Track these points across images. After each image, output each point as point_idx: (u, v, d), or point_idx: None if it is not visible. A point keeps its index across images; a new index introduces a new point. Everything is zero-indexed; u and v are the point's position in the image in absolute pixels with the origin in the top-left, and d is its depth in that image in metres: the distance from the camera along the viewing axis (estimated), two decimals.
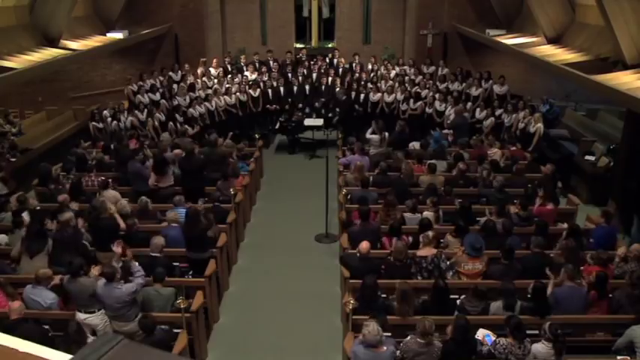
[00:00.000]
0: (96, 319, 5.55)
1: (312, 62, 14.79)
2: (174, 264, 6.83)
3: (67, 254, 6.42)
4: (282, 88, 13.56)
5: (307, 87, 13.81)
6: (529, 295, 5.87)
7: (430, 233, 6.59)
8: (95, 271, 5.91)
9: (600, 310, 5.94)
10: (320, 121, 12.35)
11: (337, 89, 13.33)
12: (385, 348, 4.81)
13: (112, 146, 10.34)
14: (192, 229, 6.92)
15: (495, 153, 9.94)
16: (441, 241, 7.03)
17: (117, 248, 6.05)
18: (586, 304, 5.87)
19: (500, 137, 11.08)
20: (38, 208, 7.66)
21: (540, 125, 10.70)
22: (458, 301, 5.90)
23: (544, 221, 7.18)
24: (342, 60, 14.86)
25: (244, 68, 14.35)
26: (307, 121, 12.70)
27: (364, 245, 6.46)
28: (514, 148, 10.25)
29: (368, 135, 10.42)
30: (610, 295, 6.02)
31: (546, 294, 5.77)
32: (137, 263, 5.90)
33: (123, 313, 5.55)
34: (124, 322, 5.57)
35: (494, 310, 5.74)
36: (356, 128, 12.71)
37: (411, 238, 7.08)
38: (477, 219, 7.68)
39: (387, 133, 10.50)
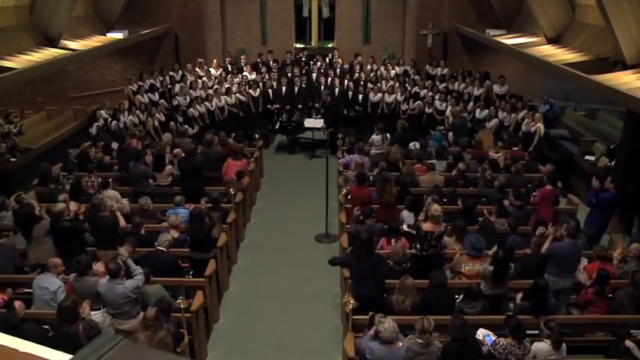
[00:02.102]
0: (101, 316, 5.55)
1: (311, 62, 14.81)
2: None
3: (68, 246, 6.53)
4: (283, 88, 13.56)
5: (304, 87, 13.79)
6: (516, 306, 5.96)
7: (437, 208, 6.63)
8: (99, 266, 5.92)
9: (599, 309, 5.97)
10: (320, 122, 12.33)
11: (322, 89, 13.32)
12: (400, 344, 4.88)
13: (112, 145, 10.35)
14: (197, 230, 6.92)
15: (500, 157, 9.93)
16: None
17: (123, 251, 6.00)
18: (578, 260, 6.38)
19: (499, 138, 11.07)
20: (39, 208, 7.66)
21: (540, 125, 10.70)
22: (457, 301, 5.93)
23: (543, 219, 7.19)
24: (340, 60, 14.84)
25: (244, 68, 14.35)
26: (307, 123, 12.68)
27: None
28: (516, 148, 10.25)
29: (372, 138, 10.47)
30: (610, 295, 6.05)
31: (547, 293, 5.79)
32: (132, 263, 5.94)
33: (126, 310, 5.55)
34: (124, 320, 5.58)
35: (484, 272, 5.95)
36: (356, 128, 12.72)
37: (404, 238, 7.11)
38: (477, 219, 7.69)
39: (388, 135, 10.51)
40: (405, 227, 7.29)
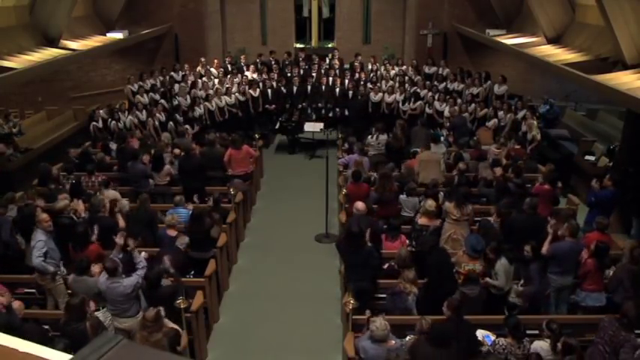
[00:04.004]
0: (101, 316, 5.56)
1: (311, 62, 14.82)
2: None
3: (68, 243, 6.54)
4: (283, 88, 13.56)
5: (309, 87, 13.81)
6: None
7: (432, 203, 6.68)
8: (97, 268, 5.93)
9: (596, 282, 6.12)
10: (320, 126, 12.32)
11: (323, 89, 13.42)
12: (394, 342, 4.88)
13: (110, 145, 10.35)
14: (196, 229, 6.94)
15: (500, 154, 9.93)
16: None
17: (119, 239, 6.06)
18: (579, 258, 6.28)
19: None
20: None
21: (536, 134, 10.59)
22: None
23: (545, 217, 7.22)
24: (336, 62, 14.85)
25: (244, 68, 14.36)
26: (307, 126, 12.66)
27: (360, 205, 6.84)
28: (518, 147, 10.26)
29: (367, 139, 10.52)
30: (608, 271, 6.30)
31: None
32: (140, 254, 5.99)
33: (126, 308, 5.57)
34: (125, 319, 5.59)
35: (501, 268, 5.99)
36: (360, 128, 12.75)
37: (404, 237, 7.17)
38: (477, 219, 7.69)
39: (385, 136, 10.52)
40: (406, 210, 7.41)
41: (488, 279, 6.11)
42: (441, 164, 9.31)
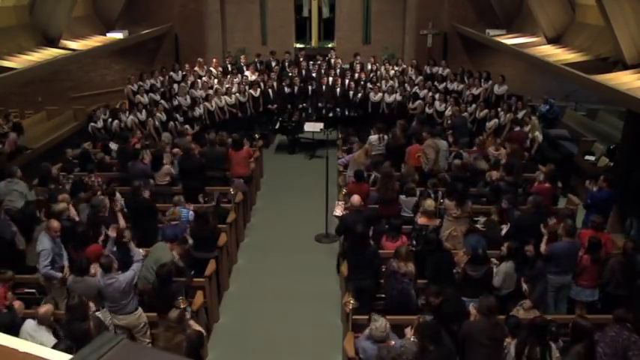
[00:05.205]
0: (101, 316, 5.56)
1: (311, 62, 14.82)
2: None
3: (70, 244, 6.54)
4: (286, 88, 13.57)
5: (310, 87, 13.81)
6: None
7: (431, 202, 6.75)
8: (96, 268, 5.93)
9: (591, 277, 6.21)
10: (320, 126, 12.31)
11: (323, 89, 13.50)
12: (393, 342, 4.87)
13: (110, 145, 10.36)
14: (201, 229, 6.95)
15: (501, 153, 9.92)
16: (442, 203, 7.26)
17: (112, 232, 6.08)
18: (577, 258, 6.29)
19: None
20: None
21: (538, 134, 10.57)
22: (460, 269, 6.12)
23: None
24: (339, 61, 14.85)
25: (244, 68, 14.36)
26: (307, 126, 12.65)
27: (355, 199, 6.87)
28: (518, 128, 10.32)
29: (369, 138, 10.51)
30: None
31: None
32: (134, 246, 6.02)
33: (124, 304, 5.57)
34: (123, 315, 5.60)
35: (503, 269, 5.97)
36: (356, 128, 12.73)
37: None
38: (476, 219, 7.70)
39: (386, 136, 10.51)
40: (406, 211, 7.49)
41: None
42: (442, 160, 9.34)
